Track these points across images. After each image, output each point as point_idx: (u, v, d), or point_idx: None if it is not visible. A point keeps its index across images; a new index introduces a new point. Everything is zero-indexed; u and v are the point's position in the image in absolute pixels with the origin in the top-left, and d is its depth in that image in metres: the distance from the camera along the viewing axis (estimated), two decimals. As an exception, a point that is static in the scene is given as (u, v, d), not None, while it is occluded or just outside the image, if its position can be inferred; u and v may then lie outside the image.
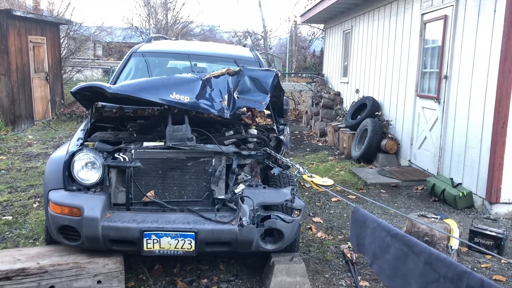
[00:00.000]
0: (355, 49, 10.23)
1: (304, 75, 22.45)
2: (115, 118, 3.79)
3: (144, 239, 2.98)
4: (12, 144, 8.63)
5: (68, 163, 3.14)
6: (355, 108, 9.08)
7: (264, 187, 3.31)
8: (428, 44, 6.79)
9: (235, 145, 3.44)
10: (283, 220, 3.14)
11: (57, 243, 3.30)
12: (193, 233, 2.99)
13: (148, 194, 3.20)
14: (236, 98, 3.36)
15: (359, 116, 8.63)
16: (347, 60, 10.94)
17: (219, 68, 3.62)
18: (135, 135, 3.50)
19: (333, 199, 5.64)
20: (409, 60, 7.29)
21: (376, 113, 8.28)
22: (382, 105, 8.42)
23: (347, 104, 10.52)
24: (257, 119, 3.88)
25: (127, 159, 3.19)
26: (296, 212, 3.22)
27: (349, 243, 4.27)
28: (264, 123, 3.91)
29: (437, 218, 3.70)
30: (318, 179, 2.82)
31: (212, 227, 3.03)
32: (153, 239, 2.99)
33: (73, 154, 3.17)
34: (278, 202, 3.20)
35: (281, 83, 3.81)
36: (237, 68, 3.46)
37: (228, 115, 3.28)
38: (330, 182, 2.80)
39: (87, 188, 3.15)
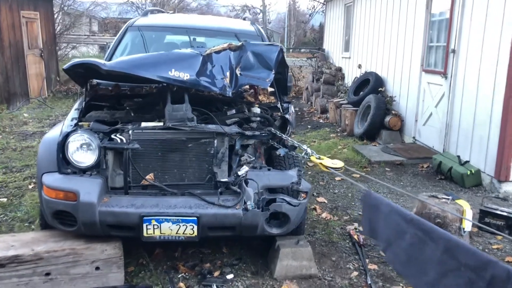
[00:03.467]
0: (357, 22, 9.94)
1: (304, 50, 22.07)
2: (111, 96, 3.58)
3: (144, 225, 2.85)
4: (7, 123, 8.42)
5: (62, 145, 2.98)
6: (357, 84, 8.86)
7: (269, 169, 3.15)
8: (435, 17, 6.54)
9: (237, 124, 3.27)
10: (289, 203, 3.01)
11: (53, 228, 3.15)
12: (195, 218, 2.86)
13: (147, 177, 3.05)
14: (239, 75, 3.17)
15: (361, 92, 8.42)
16: (348, 34, 10.66)
17: (219, 43, 3.41)
18: (132, 114, 3.31)
19: (337, 178, 5.50)
20: (414, 33, 7.05)
21: (380, 89, 8.07)
22: (385, 81, 8.20)
23: (349, 80, 10.30)
24: (260, 97, 3.68)
25: (124, 140, 3.03)
26: (302, 194, 3.09)
27: (355, 224, 4.15)
28: (268, 101, 3.72)
29: (448, 199, 3.56)
30: (327, 161, 2.66)
31: (215, 211, 2.90)
32: (153, 225, 2.85)
33: (67, 135, 3.00)
34: (284, 185, 3.06)
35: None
36: (239, 43, 3.26)
37: (230, 93, 3.10)
38: (340, 164, 2.64)
39: (82, 171, 2.99)
